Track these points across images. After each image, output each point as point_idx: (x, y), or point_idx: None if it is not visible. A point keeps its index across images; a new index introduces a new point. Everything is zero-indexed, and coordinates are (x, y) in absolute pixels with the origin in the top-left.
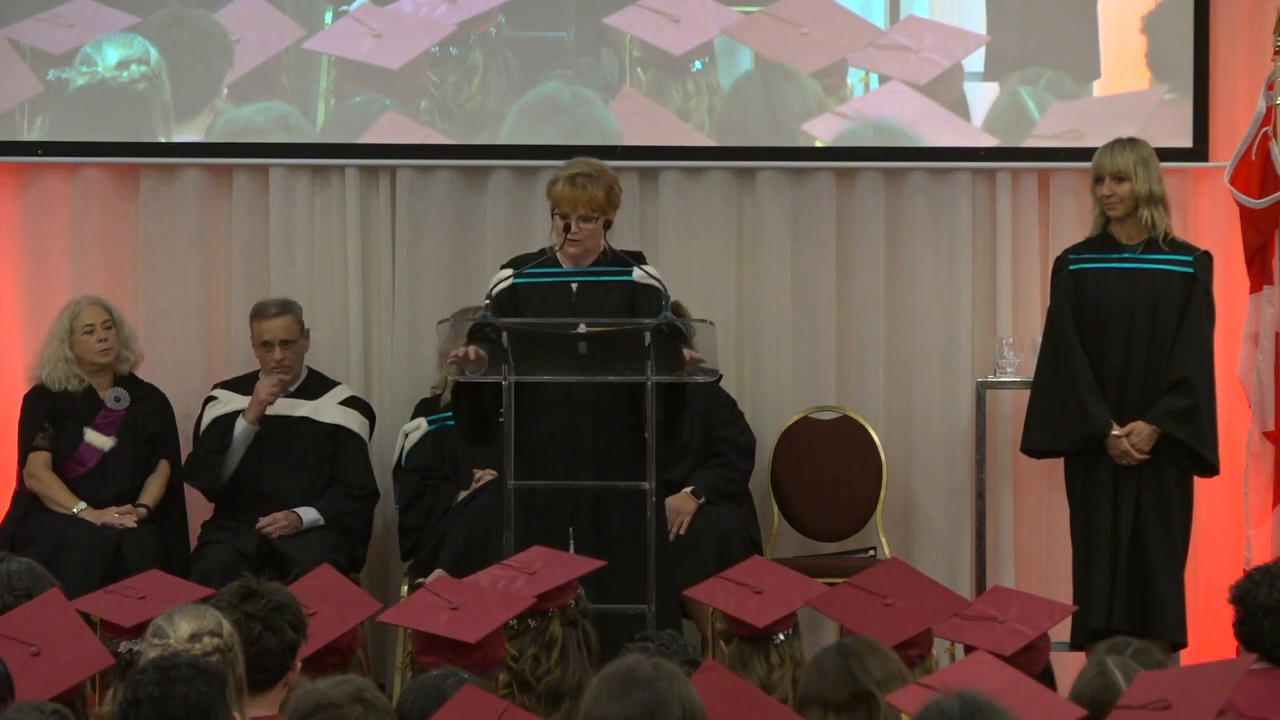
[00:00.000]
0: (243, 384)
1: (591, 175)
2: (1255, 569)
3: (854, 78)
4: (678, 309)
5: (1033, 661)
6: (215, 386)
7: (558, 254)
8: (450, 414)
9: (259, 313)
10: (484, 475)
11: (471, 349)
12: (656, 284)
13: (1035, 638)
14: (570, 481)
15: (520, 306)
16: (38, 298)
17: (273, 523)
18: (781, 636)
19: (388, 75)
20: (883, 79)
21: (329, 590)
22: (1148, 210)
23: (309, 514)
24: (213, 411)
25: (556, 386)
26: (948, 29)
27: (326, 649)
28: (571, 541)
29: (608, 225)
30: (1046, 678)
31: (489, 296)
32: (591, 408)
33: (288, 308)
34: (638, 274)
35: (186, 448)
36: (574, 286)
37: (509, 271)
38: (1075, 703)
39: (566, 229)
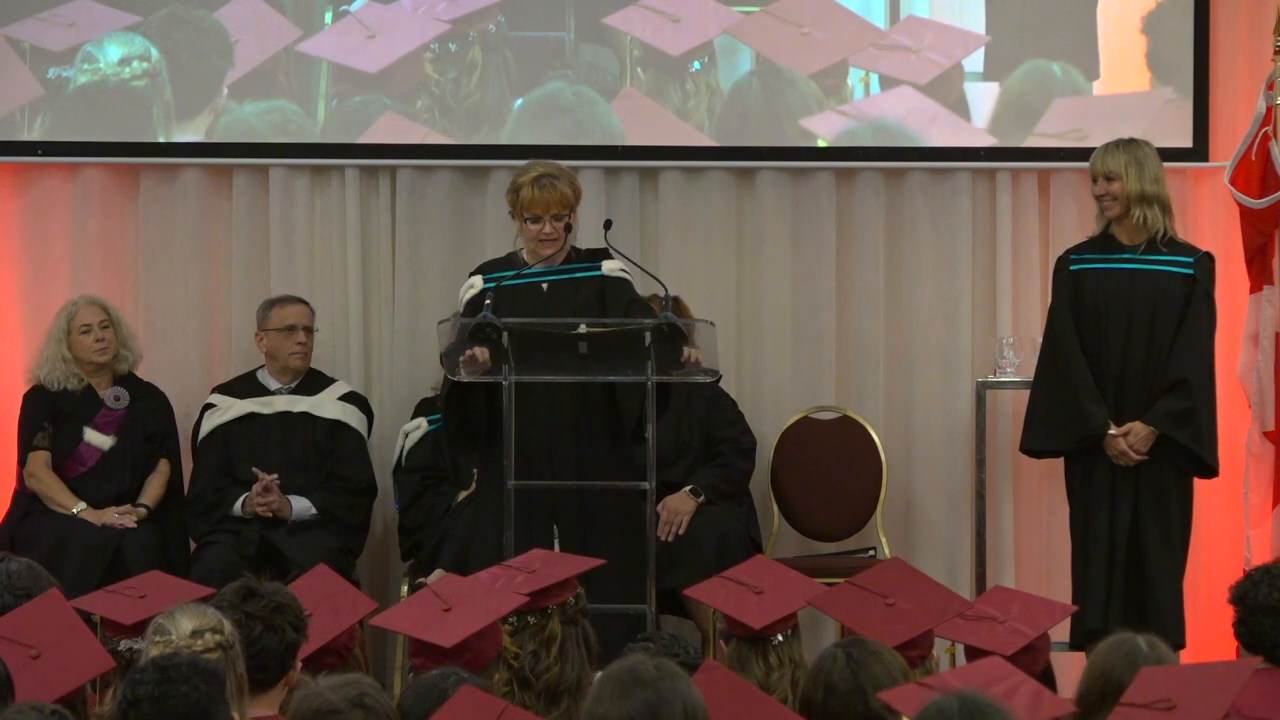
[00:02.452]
0: (240, 386)
1: (555, 175)
2: (1255, 569)
3: (854, 78)
4: (678, 307)
5: (1033, 661)
6: (213, 392)
7: (525, 256)
8: None
9: (276, 301)
10: None
11: (479, 350)
12: (625, 275)
13: (1035, 638)
14: (570, 481)
15: (493, 311)
16: (38, 298)
17: (265, 496)
18: (780, 638)
19: (387, 75)
20: (884, 82)
21: (325, 591)
22: (1139, 210)
23: (300, 503)
24: (212, 419)
25: (534, 386)
26: (948, 29)
27: (323, 649)
28: (556, 541)
29: (568, 229)
30: (1046, 678)
31: (462, 305)
32: (568, 406)
33: (301, 299)
34: (607, 266)
35: (186, 447)
36: (544, 286)
37: (478, 278)
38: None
39: (540, 230)
